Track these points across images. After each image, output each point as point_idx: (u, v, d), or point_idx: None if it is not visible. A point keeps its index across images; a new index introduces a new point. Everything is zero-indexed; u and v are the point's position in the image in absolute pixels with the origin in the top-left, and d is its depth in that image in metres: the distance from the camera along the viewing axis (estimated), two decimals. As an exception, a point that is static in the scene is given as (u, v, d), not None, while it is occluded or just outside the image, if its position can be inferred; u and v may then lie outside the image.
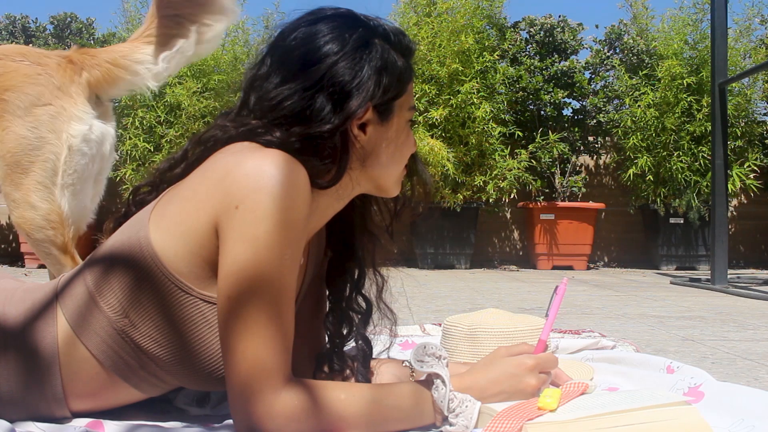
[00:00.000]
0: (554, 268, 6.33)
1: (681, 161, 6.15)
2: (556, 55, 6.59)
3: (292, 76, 1.08)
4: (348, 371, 1.23)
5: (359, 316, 1.25)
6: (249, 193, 0.97)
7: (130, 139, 5.99)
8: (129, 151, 6.00)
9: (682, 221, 6.34)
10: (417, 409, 1.04)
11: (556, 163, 6.44)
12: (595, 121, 6.63)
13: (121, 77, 1.89)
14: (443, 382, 1.03)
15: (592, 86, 6.67)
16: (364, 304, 1.26)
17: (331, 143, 1.07)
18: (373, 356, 1.28)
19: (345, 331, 1.25)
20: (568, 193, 6.48)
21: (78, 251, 1.87)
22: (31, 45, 6.68)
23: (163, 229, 1.03)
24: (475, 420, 1.03)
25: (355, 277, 1.26)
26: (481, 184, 5.95)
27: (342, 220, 1.25)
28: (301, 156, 1.05)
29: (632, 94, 6.38)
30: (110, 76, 1.88)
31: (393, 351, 1.61)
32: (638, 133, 6.28)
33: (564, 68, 6.47)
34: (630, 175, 6.30)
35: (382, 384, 1.10)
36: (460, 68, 5.97)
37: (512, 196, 6.38)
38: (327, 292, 1.30)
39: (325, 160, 1.08)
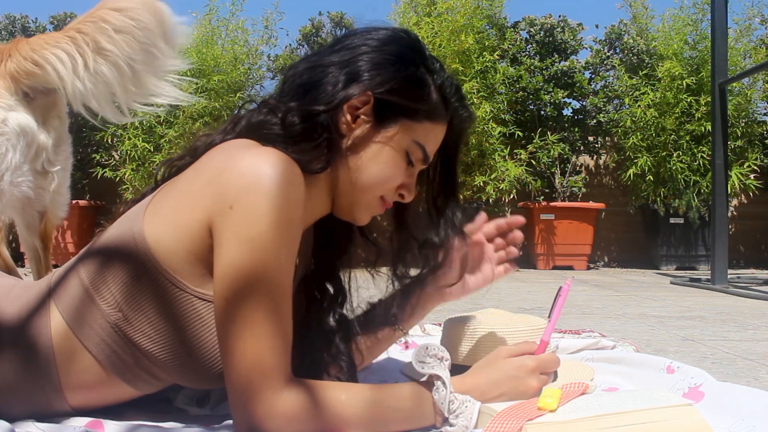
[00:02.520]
0: (554, 268, 6.33)
1: (681, 161, 6.15)
2: (556, 55, 6.59)
3: (328, 55, 1.14)
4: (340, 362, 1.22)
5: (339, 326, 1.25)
6: (244, 193, 0.97)
7: (129, 139, 6.00)
8: (128, 151, 6.00)
9: (682, 221, 6.34)
10: (418, 411, 1.03)
11: (556, 163, 6.44)
12: (595, 121, 6.64)
13: (31, 71, 1.75)
14: (444, 383, 1.03)
15: (592, 86, 6.67)
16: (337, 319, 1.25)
17: (324, 119, 1.08)
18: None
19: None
20: (568, 193, 6.48)
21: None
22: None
23: (158, 224, 1.03)
24: (475, 420, 1.03)
25: (332, 294, 1.26)
26: (481, 184, 5.95)
27: (331, 240, 1.26)
28: (295, 139, 1.06)
29: (632, 94, 6.39)
30: (23, 69, 1.75)
31: (393, 352, 1.61)
32: (638, 133, 6.28)
33: (564, 68, 6.47)
34: (630, 175, 6.30)
35: (383, 385, 1.10)
36: (460, 68, 5.96)
37: (512, 197, 6.38)
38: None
39: (318, 140, 1.08)
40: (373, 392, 1.03)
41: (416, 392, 1.04)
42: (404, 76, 1.11)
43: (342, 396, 0.99)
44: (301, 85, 1.12)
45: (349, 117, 1.10)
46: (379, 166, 1.12)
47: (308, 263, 1.28)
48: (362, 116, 1.10)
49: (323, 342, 1.21)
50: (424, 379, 1.06)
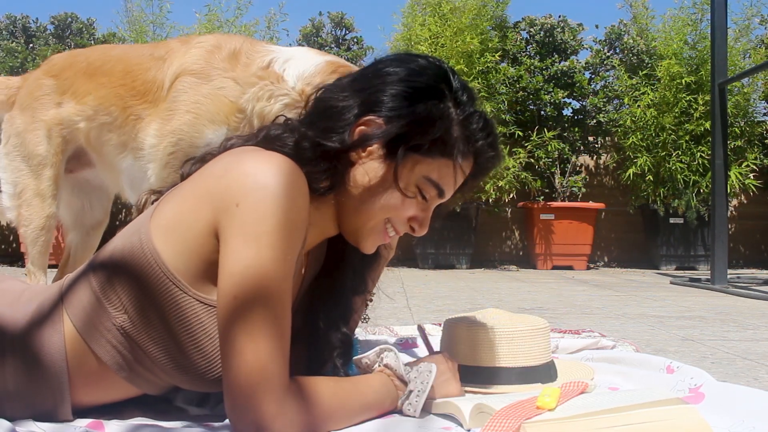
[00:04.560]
0: (554, 268, 6.33)
1: (680, 161, 6.16)
2: (556, 55, 6.59)
3: (356, 80, 1.14)
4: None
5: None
6: (249, 191, 0.98)
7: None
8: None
9: (681, 221, 6.34)
10: (383, 388, 1.12)
11: (556, 163, 6.44)
12: (595, 121, 6.64)
13: None
14: (391, 350, 1.15)
15: (592, 86, 6.67)
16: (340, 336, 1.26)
17: (335, 149, 1.09)
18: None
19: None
20: (568, 193, 6.48)
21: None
22: (31, 45, 6.70)
23: (164, 227, 1.04)
24: (432, 378, 1.12)
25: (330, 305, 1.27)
26: (481, 183, 5.94)
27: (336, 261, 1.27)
28: (303, 161, 1.07)
29: (632, 94, 6.39)
30: None
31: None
32: (638, 133, 6.28)
33: (564, 68, 6.47)
34: (630, 174, 6.30)
35: (359, 377, 1.16)
36: (464, 69, 5.96)
37: (512, 196, 6.38)
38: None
39: (325, 166, 1.09)
40: (353, 383, 1.10)
41: (381, 377, 1.14)
42: (420, 111, 1.09)
43: (332, 392, 1.04)
44: (321, 111, 1.13)
45: (357, 136, 1.10)
46: (385, 198, 1.11)
47: (314, 275, 1.28)
48: (374, 146, 1.10)
49: (323, 357, 1.23)
50: (374, 352, 1.16)
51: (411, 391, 1.12)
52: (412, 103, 1.09)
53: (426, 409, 1.15)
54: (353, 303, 1.30)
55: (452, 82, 1.13)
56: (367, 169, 1.10)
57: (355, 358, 1.19)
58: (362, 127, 1.10)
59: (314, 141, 1.09)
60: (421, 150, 1.10)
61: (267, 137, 1.12)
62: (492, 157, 1.17)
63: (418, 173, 1.11)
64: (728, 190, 5.12)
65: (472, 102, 1.15)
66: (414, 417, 1.11)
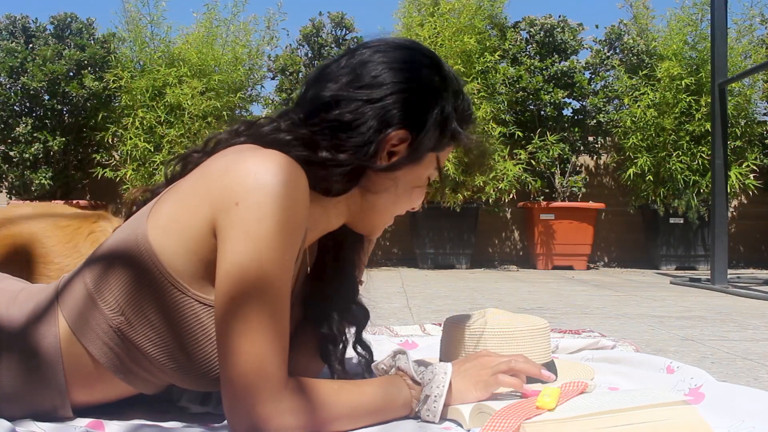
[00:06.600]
0: (554, 268, 6.33)
1: (680, 161, 6.16)
2: (556, 55, 6.59)
3: (357, 85, 1.10)
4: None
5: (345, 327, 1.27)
6: (250, 190, 0.97)
7: (130, 139, 5.99)
8: (129, 151, 5.99)
9: (681, 221, 6.34)
10: (395, 389, 1.09)
11: (556, 163, 6.44)
12: (595, 121, 6.63)
13: None
14: (404, 353, 1.13)
15: (592, 86, 6.66)
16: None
17: (361, 163, 1.09)
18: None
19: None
20: (568, 193, 6.48)
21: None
22: (31, 45, 6.69)
23: (161, 227, 1.03)
24: (447, 384, 1.09)
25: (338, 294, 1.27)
26: (481, 184, 5.95)
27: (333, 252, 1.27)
28: (320, 166, 1.07)
29: (632, 95, 6.39)
30: None
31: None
32: (638, 133, 6.28)
33: (564, 68, 6.47)
34: (630, 175, 6.30)
35: (365, 380, 1.14)
36: (462, 69, 5.96)
37: (512, 196, 6.38)
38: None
39: (345, 171, 1.09)
40: (360, 385, 1.07)
41: (389, 377, 1.12)
42: (436, 114, 1.13)
43: (333, 393, 1.02)
44: (337, 124, 1.08)
45: (385, 154, 1.11)
46: (405, 196, 1.17)
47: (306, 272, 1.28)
48: (398, 153, 1.12)
49: (337, 345, 1.24)
50: (388, 356, 1.14)
51: (428, 396, 1.09)
52: (427, 110, 1.12)
53: (443, 416, 1.10)
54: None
55: (446, 75, 1.17)
56: (390, 172, 1.13)
57: (372, 364, 1.19)
58: (389, 144, 1.10)
59: (338, 148, 1.08)
60: (437, 147, 1.16)
61: (276, 141, 1.07)
62: (476, 139, 1.27)
63: (432, 166, 1.18)
64: (728, 190, 5.11)
65: (460, 86, 1.20)
66: (434, 423, 1.08)
